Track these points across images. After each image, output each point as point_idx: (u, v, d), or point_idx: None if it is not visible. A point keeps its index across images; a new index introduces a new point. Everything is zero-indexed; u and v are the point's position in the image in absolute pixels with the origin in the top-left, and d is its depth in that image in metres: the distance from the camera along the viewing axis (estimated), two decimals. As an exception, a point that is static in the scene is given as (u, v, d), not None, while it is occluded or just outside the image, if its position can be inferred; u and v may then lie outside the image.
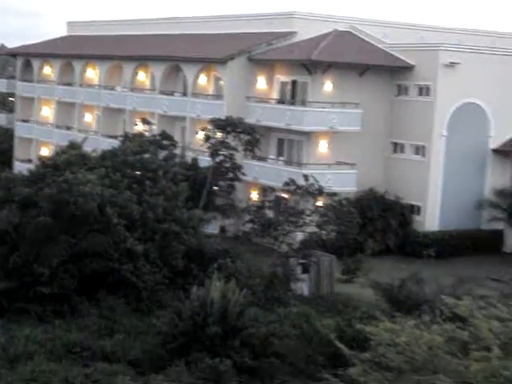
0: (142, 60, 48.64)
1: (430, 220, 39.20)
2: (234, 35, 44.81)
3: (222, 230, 38.30)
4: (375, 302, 25.46)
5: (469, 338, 13.55)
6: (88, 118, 53.04)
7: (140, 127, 40.84)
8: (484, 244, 38.85)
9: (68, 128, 53.10)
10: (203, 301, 21.94)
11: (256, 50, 42.16)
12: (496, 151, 40.32)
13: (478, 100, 39.72)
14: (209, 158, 35.65)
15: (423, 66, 39.61)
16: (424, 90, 39.73)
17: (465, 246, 38.14)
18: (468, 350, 13.32)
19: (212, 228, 34.62)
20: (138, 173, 27.35)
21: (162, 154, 32.75)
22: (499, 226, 39.54)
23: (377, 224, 38.05)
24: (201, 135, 37.86)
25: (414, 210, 39.62)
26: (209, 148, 35.28)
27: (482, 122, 39.97)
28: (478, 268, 33.49)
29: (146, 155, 28.90)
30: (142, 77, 49.56)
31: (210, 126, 36.04)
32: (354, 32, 42.70)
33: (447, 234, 38.31)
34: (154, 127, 42.38)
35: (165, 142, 34.53)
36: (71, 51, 55.16)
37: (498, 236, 39.74)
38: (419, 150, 39.88)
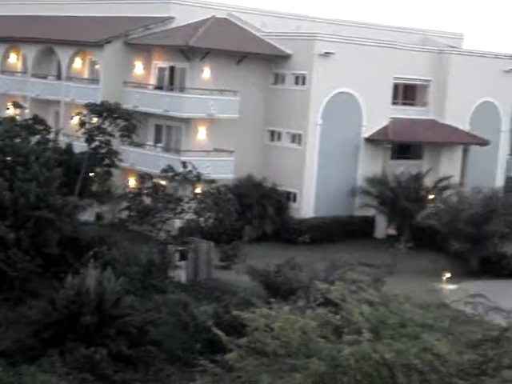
0: (13, 41, 46.94)
1: (306, 207, 39.98)
2: (111, 19, 43.93)
3: (98, 217, 37.63)
4: (252, 288, 25.76)
5: (341, 322, 13.90)
6: (-44, 100, 50.74)
7: (11, 111, 39.44)
8: (356, 230, 40.01)
9: None
10: (78, 289, 21.57)
11: (133, 34, 41.53)
12: (368, 140, 41.52)
13: (351, 90, 40.73)
14: (84, 144, 34.91)
15: (299, 55, 40.20)
16: (300, 79, 40.37)
17: (338, 232, 39.14)
18: (340, 333, 13.67)
19: (88, 215, 33.96)
20: (8, 158, 26.42)
21: (35, 138, 31.78)
22: (371, 212, 40.80)
23: (254, 211, 38.45)
24: (76, 120, 37.00)
25: (291, 197, 40.29)
26: (84, 133, 34.54)
27: (355, 112, 41.03)
28: (350, 253, 34.40)
29: (17, 140, 27.95)
30: (14, 59, 47.87)
31: (85, 111, 35.28)
32: (231, 19, 42.81)
33: (321, 221, 39.19)
34: (27, 111, 41.03)
35: (37, 127, 33.49)
36: None
37: (369, 222, 41.01)
38: (295, 138, 40.53)
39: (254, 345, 14.16)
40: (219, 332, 15.17)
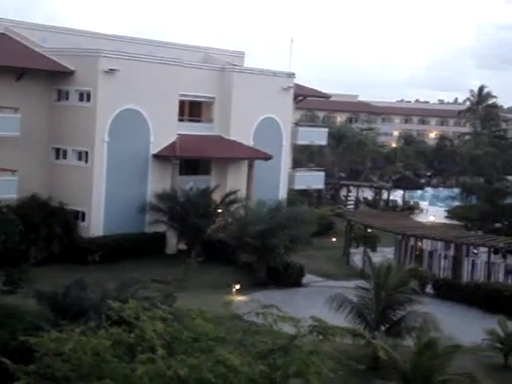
0: None
1: (95, 225, 39.25)
2: None
3: None
4: (40, 312, 24.79)
5: (134, 341, 13.74)
6: None
7: None
8: (148, 247, 39.92)
9: None
10: None
11: None
12: (156, 156, 41.63)
13: (137, 106, 40.63)
14: None
15: (83, 71, 39.51)
16: (85, 96, 39.64)
17: (129, 249, 38.80)
18: (134, 352, 13.51)
19: None
20: None
21: None
22: (162, 228, 40.87)
23: (40, 231, 37.11)
24: None
25: (79, 215, 39.38)
26: None
27: (143, 128, 40.98)
28: (142, 271, 34.22)
29: None
30: None
31: None
32: (9, 34, 41.22)
33: (111, 239, 38.64)
34: None
35: None
36: None
37: (160, 238, 41.05)
38: (82, 155, 39.72)
39: (44, 370, 13.65)
40: (5, 360, 14.47)
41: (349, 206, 66.93)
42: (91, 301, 22.60)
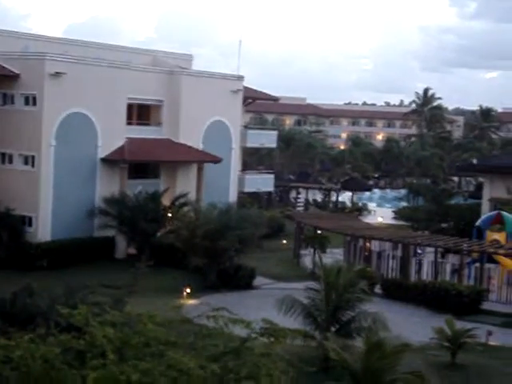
0: None
1: (43, 230, 38.77)
2: None
3: None
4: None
5: (84, 347, 13.62)
6: None
7: None
8: (97, 251, 39.57)
9: None
10: None
11: None
12: (104, 160, 41.29)
13: (85, 110, 40.26)
14: None
15: (28, 75, 38.99)
16: (30, 100, 39.13)
17: (78, 254, 38.42)
18: (84, 358, 13.39)
19: None
20: None
21: None
22: (111, 233, 40.54)
23: (-14, 238, 36.56)
24: None
25: (26, 220, 38.85)
26: None
27: (91, 132, 40.61)
28: (91, 276, 33.92)
29: None
30: None
31: None
32: (-47, 37, 40.49)
33: (59, 244, 38.21)
34: None
35: None
36: None
37: (109, 243, 40.73)
38: (28, 160, 39.19)
39: (-8, 379, 13.44)
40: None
41: (298, 208, 67.34)
42: (39, 307, 22.32)
